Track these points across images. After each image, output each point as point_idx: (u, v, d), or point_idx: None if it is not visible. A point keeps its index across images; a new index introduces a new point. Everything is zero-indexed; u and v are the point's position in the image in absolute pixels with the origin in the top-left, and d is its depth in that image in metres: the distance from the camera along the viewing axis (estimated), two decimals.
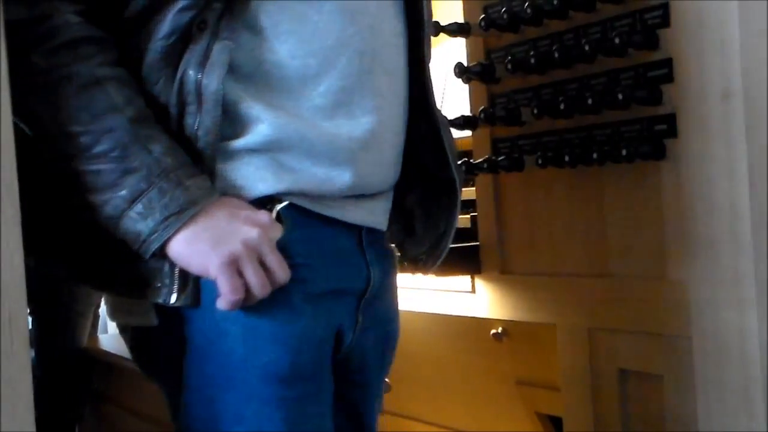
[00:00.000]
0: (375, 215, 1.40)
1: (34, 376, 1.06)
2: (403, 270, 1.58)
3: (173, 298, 1.19)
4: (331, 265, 1.30)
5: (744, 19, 1.54)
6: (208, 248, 1.15)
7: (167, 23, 1.17)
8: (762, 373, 1.54)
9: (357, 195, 1.33)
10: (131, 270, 1.20)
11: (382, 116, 1.32)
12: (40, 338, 3.34)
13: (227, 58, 1.18)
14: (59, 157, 1.16)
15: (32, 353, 3.25)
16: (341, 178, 1.28)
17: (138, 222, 1.14)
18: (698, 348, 1.65)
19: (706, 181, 1.61)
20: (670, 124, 1.71)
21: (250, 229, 1.16)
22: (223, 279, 1.15)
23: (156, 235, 1.14)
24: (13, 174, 0.95)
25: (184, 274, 1.19)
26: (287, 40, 1.23)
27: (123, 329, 1.41)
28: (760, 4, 1.54)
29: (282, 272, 1.18)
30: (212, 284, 1.17)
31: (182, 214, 1.14)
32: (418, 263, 1.51)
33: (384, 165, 1.36)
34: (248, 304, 1.17)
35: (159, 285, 1.19)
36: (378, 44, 1.31)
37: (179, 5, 1.17)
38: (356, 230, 1.36)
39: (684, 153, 1.67)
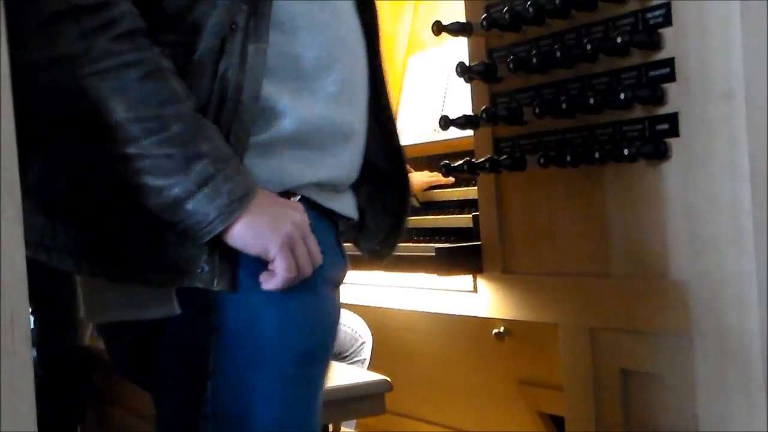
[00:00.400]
0: (352, 207, 1.45)
1: (36, 376, 1.05)
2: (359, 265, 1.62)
3: (215, 283, 1.22)
4: (329, 254, 1.34)
5: (746, 18, 1.54)
6: (267, 231, 1.21)
7: (215, 20, 1.22)
8: (763, 373, 1.54)
9: (343, 188, 1.40)
10: (164, 258, 1.23)
11: (362, 108, 1.42)
12: (41, 337, 3.34)
13: (264, 61, 1.24)
14: (121, 140, 1.17)
15: (34, 352, 3.25)
16: (347, 166, 1.37)
17: (206, 205, 1.18)
18: (700, 348, 1.65)
19: (708, 181, 1.61)
20: (672, 124, 1.71)
21: (294, 213, 1.24)
22: (282, 258, 1.21)
23: (222, 218, 1.18)
24: (14, 173, 0.95)
25: (222, 260, 1.23)
26: (302, 34, 1.30)
27: (101, 330, 1.44)
28: (761, 3, 1.54)
29: (318, 254, 1.27)
30: (248, 270, 1.23)
31: (245, 200, 1.20)
32: (374, 254, 1.57)
33: (360, 156, 1.43)
34: (291, 285, 1.24)
35: (199, 270, 1.22)
36: (355, 43, 1.42)
37: (222, 3, 1.22)
38: (335, 223, 1.41)
39: (686, 152, 1.67)
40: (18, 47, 0.99)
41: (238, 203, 1.19)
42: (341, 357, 2.64)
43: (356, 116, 1.39)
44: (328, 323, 1.35)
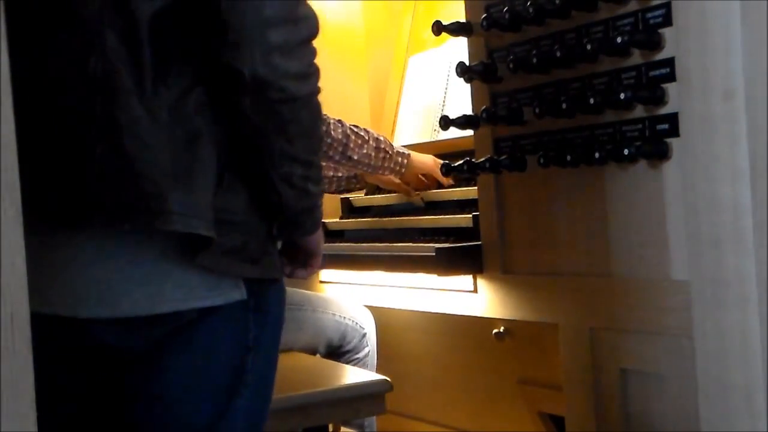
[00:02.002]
0: None
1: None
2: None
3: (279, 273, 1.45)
4: None
5: (746, 18, 1.54)
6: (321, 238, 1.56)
7: None
8: (764, 374, 1.54)
9: None
10: (270, 253, 1.41)
11: None
12: None
13: None
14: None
15: None
16: None
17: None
18: (700, 348, 1.65)
19: (708, 181, 1.61)
20: (672, 124, 1.71)
21: None
22: (320, 257, 1.55)
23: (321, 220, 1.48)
24: (14, 174, 0.95)
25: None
26: None
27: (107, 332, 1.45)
28: (761, 3, 1.53)
29: None
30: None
31: None
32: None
33: None
34: None
35: (275, 263, 1.42)
36: None
37: None
38: None
39: (686, 152, 1.67)
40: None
41: None
42: (343, 351, 2.64)
43: None
44: None
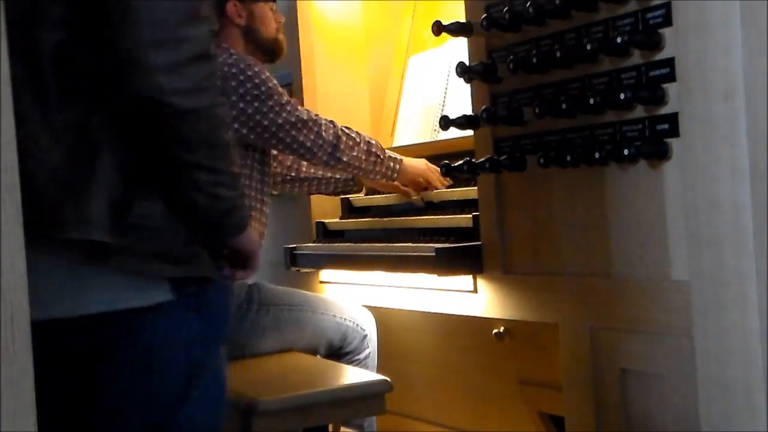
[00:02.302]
0: None
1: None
2: None
3: (213, 272, 1.51)
4: None
5: (746, 18, 1.54)
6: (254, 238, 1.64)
7: None
8: (764, 373, 1.54)
9: None
10: (195, 254, 1.49)
11: None
12: None
13: None
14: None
15: None
16: None
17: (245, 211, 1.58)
18: (700, 348, 1.65)
19: (708, 181, 1.61)
20: (672, 124, 1.71)
21: None
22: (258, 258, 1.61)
23: (246, 221, 1.55)
24: (14, 174, 0.95)
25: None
26: None
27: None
28: (761, 3, 1.53)
29: None
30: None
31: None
32: None
33: None
34: None
35: (206, 262, 1.49)
36: None
37: None
38: None
39: (686, 153, 1.67)
40: None
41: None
42: (344, 352, 2.64)
43: None
44: None
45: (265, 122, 2.46)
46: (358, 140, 2.59)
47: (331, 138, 2.53)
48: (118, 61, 1.36)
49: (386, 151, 2.66)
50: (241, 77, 2.44)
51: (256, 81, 2.45)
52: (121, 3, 1.35)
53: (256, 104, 2.44)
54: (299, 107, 2.54)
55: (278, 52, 2.72)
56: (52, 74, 1.39)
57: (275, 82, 2.52)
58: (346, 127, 2.60)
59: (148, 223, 1.41)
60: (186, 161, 1.42)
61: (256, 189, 2.55)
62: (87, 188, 1.38)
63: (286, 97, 2.52)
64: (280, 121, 2.47)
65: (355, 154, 2.57)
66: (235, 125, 2.44)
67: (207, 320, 1.51)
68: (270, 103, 2.46)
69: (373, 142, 2.64)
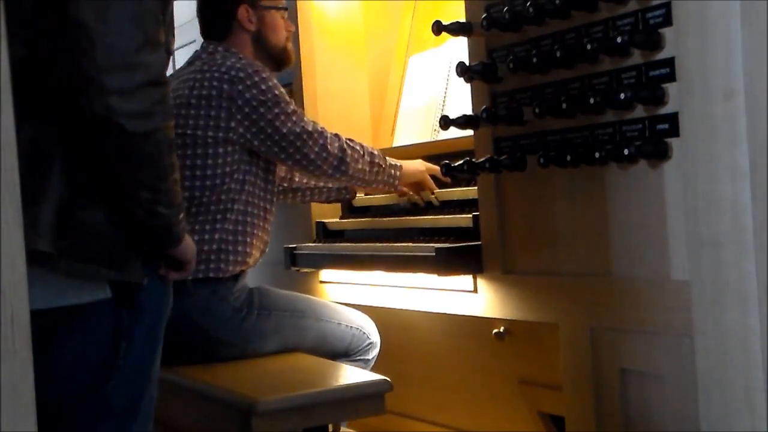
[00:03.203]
0: None
1: None
2: None
3: (144, 277, 1.66)
4: None
5: (746, 18, 1.54)
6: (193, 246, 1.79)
7: None
8: (764, 373, 1.54)
9: None
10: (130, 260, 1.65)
11: None
12: None
13: None
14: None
15: None
16: None
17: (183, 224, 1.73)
18: (700, 348, 1.65)
19: (708, 181, 1.61)
20: (672, 124, 1.71)
21: None
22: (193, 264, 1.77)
23: (184, 232, 1.70)
24: (14, 174, 0.95)
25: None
26: None
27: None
28: (761, 3, 1.53)
29: None
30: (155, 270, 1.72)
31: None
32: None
33: None
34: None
35: (135, 268, 1.64)
36: None
37: None
38: None
39: (686, 152, 1.67)
40: None
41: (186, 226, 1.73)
42: (348, 355, 2.64)
43: None
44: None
45: (269, 130, 2.46)
46: (362, 152, 2.59)
47: (336, 151, 2.53)
48: (74, 82, 1.46)
49: (387, 158, 2.67)
50: (248, 82, 2.44)
51: (263, 87, 2.45)
52: (81, 26, 1.45)
53: (261, 110, 2.44)
54: (305, 118, 2.53)
55: (286, 61, 2.73)
56: (12, 92, 1.47)
57: (282, 90, 2.51)
58: (350, 139, 2.60)
59: (89, 228, 1.55)
60: (130, 179, 1.55)
61: (259, 197, 2.53)
62: (38, 200, 1.49)
63: (292, 107, 2.51)
64: (284, 130, 2.46)
65: (359, 166, 2.58)
66: (240, 129, 2.44)
67: (137, 318, 1.67)
68: (276, 110, 2.46)
69: (376, 152, 2.64)
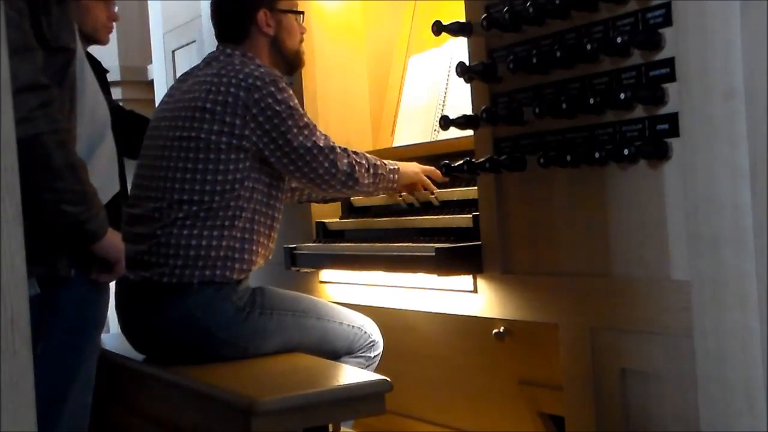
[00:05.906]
0: None
1: None
2: None
3: (69, 272, 1.80)
4: None
5: (746, 18, 1.54)
6: (121, 245, 1.93)
7: None
8: (764, 373, 1.54)
9: None
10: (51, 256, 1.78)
11: None
12: None
13: None
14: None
15: None
16: None
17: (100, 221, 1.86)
18: (700, 348, 1.65)
19: (708, 181, 1.61)
20: (672, 124, 1.71)
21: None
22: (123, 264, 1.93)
23: (103, 230, 1.82)
24: (14, 174, 0.95)
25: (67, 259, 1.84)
26: None
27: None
28: (761, 3, 1.53)
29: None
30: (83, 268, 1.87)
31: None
32: None
33: None
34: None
35: (60, 264, 1.79)
36: None
37: None
38: None
39: (686, 152, 1.67)
40: None
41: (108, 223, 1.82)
42: (350, 353, 2.64)
43: None
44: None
45: (281, 141, 2.46)
46: (367, 166, 2.60)
47: (345, 168, 2.54)
48: None
49: (384, 163, 2.67)
50: (264, 91, 2.44)
51: (279, 98, 2.45)
52: None
53: (275, 121, 2.44)
54: (317, 133, 2.52)
55: (299, 64, 2.74)
56: None
57: (297, 102, 2.52)
58: (354, 152, 2.60)
59: None
60: (26, 182, 1.66)
61: (267, 205, 2.51)
62: None
63: (305, 120, 2.51)
64: (295, 144, 2.46)
65: (366, 181, 2.59)
66: (253, 138, 2.44)
67: (54, 318, 1.75)
68: (289, 122, 2.46)
69: (378, 162, 2.64)
